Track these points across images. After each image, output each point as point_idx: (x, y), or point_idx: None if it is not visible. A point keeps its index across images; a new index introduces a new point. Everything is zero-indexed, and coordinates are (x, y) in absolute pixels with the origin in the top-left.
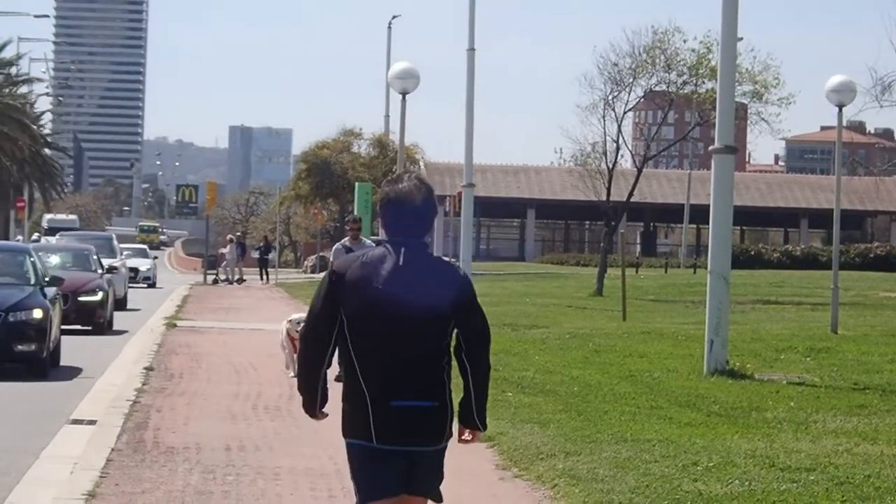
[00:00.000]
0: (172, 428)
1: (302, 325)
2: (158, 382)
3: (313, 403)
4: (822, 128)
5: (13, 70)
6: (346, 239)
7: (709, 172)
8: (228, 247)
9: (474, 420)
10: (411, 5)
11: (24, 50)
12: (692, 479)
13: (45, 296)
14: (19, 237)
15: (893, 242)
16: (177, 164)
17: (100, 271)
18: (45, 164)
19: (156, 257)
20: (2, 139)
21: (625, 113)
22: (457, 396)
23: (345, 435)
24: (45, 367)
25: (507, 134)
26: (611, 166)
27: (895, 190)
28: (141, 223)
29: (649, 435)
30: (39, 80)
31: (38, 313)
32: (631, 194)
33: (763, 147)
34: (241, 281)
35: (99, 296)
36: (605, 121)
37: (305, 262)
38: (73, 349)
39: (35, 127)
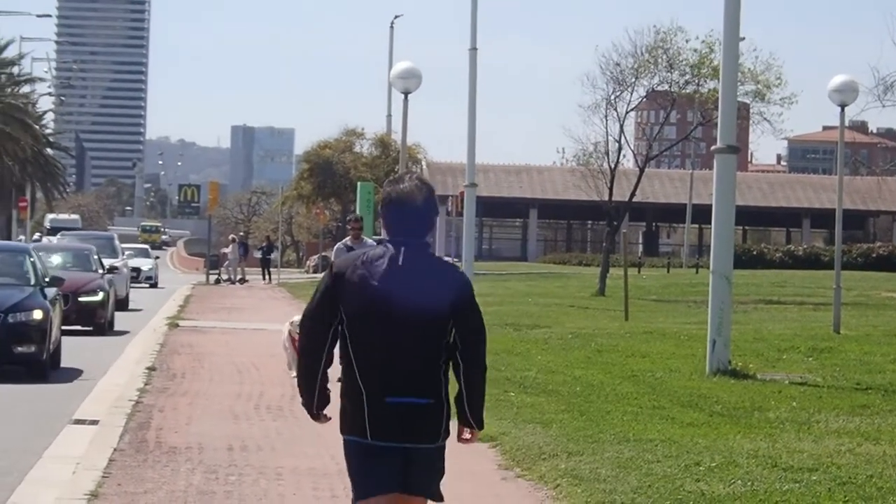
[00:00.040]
0: (175, 428)
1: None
2: (161, 382)
3: (311, 401)
4: (825, 127)
5: (15, 69)
6: (348, 238)
7: (711, 172)
8: (230, 246)
9: (470, 418)
10: (413, 5)
11: (27, 49)
12: (695, 479)
13: (45, 296)
14: (21, 237)
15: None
16: (179, 163)
17: (100, 271)
18: (48, 164)
19: (157, 257)
20: (4, 139)
21: (627, 113)
22: (454, 396)
23: (342, 431)
24: (44, 368)
25: (509, 134)
26: (613, 166)
27: None
28: (143, 223)
29: (652, 435)
30: (42, 79)
31: (37, 314)
32: (633, 194)
33: (765, 147)
34: (243, 281)
35: (100, 296)
36: (607, 120)
37: (308, 262)
38: (74, 350)
39: (37, 126)
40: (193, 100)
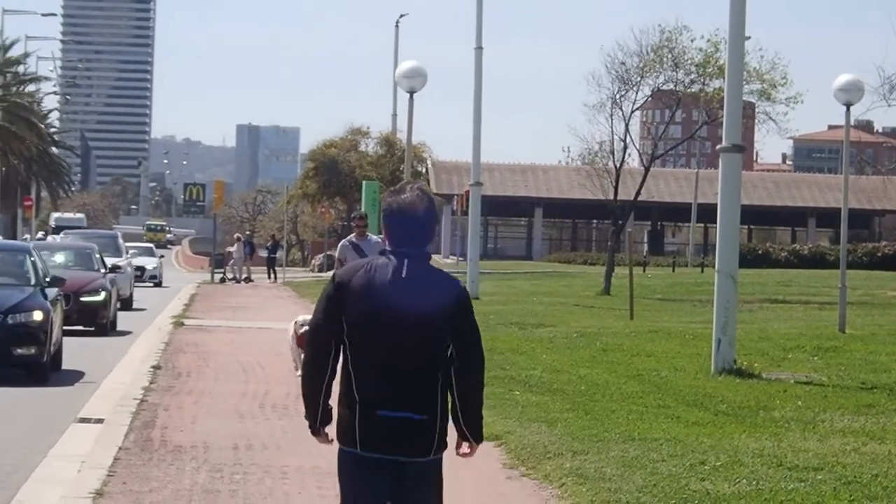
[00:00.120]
0: (180, 426)
1: (305, 327)
2: (166, 381)
3: (314, 414)
4: (830, 127)
5: (21, 69)
6: (353, 235)
7: (716, 171)
8: (236, 245)
9: (467, 433)
10: (419, 4)
11: (32, 49)
12: (700, 478)
13: (45, 297)
14: (27, 236)
15: None
16: (184, 162)
17: (102, 270)
18: (53, 163)
19: (162, 256)
20: (9, 138)
21: (632, 112)
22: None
23: (337, 439)
24: (45, 371)
25: (514, 133)
26: (618, 165)
27: None
28: (148, 222)
29: (657, 434)
30: (47, 78)
31: (38, 315)
32: (638, 193)
33: (770, 146)
34: (248, 280)
35: (101, 296)
36: (612, 119)
37: (313, 261)
38: (75, 351)
39: (42, 125)
40: (199, 99)
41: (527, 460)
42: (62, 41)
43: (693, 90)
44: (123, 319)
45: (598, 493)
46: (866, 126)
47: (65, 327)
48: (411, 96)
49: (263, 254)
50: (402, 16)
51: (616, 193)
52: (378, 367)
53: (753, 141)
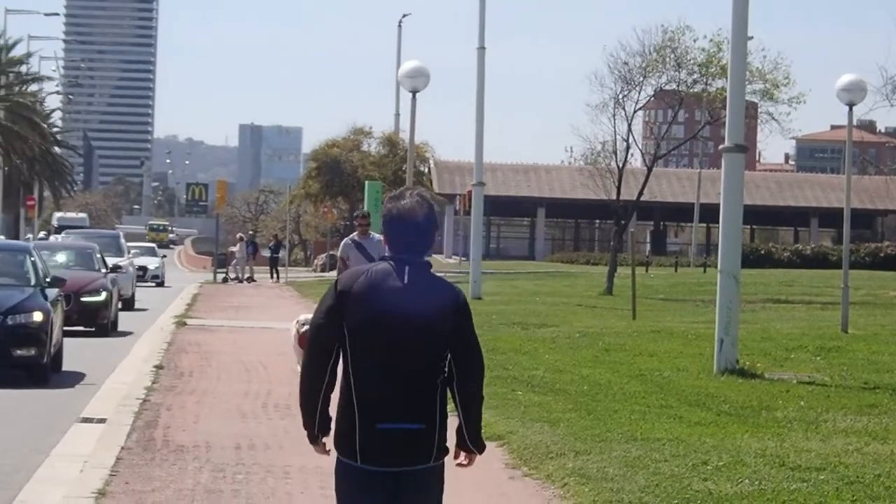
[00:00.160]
0: (182, 426)
1: (307, 326)
2: (168, 381)
3: (311, 423)
4: (833, 127)
5: (23, 68)
6: (355, 233)
7: (719, 171)
8: (238, 245)
9: (467, 443)
10: (422, 4)
11: (35, 48)
12: (702, 478)
13: (45, 297)
14: (29, 235)
15: None
16: (187, 162)
17: (103, 270)
18: (55, 163)
19: (164, 256)
20: (12, 137)
21: (635, 112)
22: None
23: (336, 449)
24: (45, 372)
25: (516, 133)
26: (621, 165)
27: None
28: (151, 222)
29: (659, 434)
30: (49, 78)
31: (38, 316)
32: (641, 193)
33: (773, 146)
34: (250, 279)
35: (102, 296)
36: (615, 119)
37: (315, 261)
38: (76, 352)
39: (45, 125)
40: (201, 98)
41: (529, 460)
42: (65, 41)
43: (696, 90)
44: (125, 320)
45: (601, 494)
46: (869, 126)
47: (65, 328)
48: (414, 96)
49: (266, 253)
50: (404, 15)
51: (619, 193)
52: (378, 373)
53: (756, 141)
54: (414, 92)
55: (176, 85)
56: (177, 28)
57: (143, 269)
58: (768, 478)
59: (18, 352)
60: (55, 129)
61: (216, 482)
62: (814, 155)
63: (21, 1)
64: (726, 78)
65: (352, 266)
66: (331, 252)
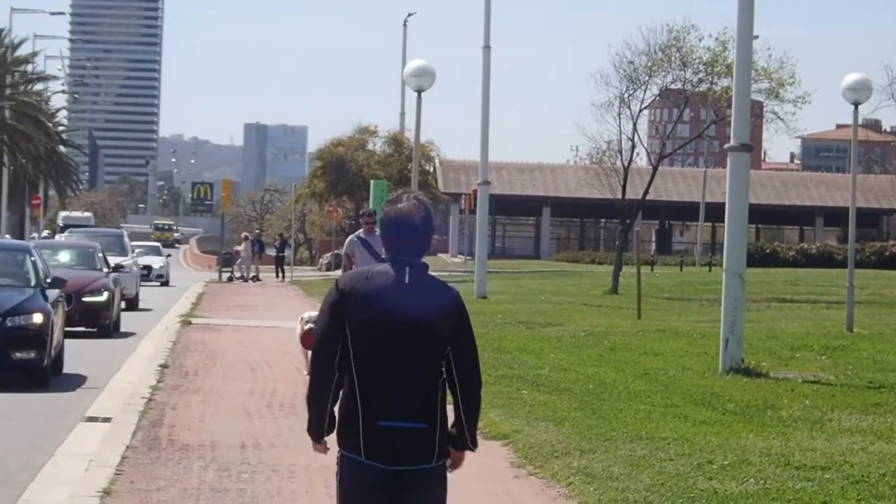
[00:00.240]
0: (187, 425)
1: (310, 324)
2: (173, 380)
3: (318, 424)
4: (838, 126)
5: (29, 68)
6: (361, 231)
7: (724, 170)
8: (243, 244)
9: (464, 441)
10: (427, 3)
11: (40, 47)
12: (707, 477)
13: (46, 298)
14: (34, 234)
15: None
16: (192, 161)
17: (105, 270)
18: (61, 162)
19: (169, 255)
20: (17, 136)
21: (640, 111)
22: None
23: (338, 444)
24: (45, 375)
25: (522, 132)
26: (626, 164)
27: None
28: (156, 221)
29: (664, 433)
30: (55, 77)
31: (38, 318)
32: (646, 192)
33: (778, 145)
34: (256, 278)
35: (104, 296)
36: (620, 119)
37: (321, 260)
38: (77, 354)
39: (50, 124)
40: (207, 98)
41: (534, 459)
42: (70, 40)
43: (701, 89)
44: (128, 320)
45: (606, 493)
46: (874, 125)
47: (66, 329)
48: (419, 95)
49: (272, 252)
50: (409, 15)
51: (624, 192)
52: (380, 372)
53: (761, 140)
54: (419, 91)
55: (181, 84)
56: (182, 27)
57: (148, 268)
58: (773, 477)
59: (18, 354)
60: (60, 129)
61: (221, 481)
62: (819, 154)
63: (27, 0)
64: (732, 77)
65: (357, 263)
66: (336, 251)
